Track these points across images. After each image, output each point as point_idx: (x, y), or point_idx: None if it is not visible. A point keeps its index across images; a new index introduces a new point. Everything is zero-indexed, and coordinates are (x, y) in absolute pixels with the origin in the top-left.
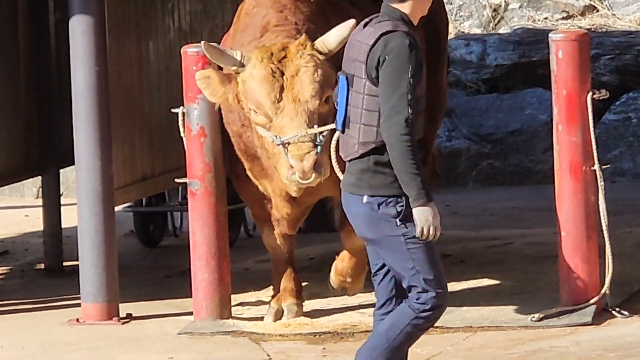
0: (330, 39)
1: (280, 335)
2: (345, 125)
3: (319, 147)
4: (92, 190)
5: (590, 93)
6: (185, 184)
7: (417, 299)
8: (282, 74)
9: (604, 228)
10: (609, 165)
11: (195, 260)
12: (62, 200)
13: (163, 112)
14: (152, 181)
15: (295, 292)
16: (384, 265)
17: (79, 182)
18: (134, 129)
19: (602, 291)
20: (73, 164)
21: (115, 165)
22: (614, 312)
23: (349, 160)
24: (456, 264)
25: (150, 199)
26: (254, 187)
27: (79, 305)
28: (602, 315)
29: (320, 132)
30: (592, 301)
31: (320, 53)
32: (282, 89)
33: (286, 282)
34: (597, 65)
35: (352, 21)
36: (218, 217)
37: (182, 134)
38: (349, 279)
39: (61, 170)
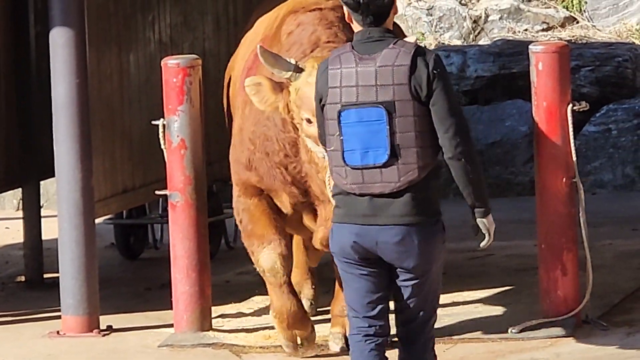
0: None
1: (260, 347)
2: (393, 154)
3: None
4: (73, 203)
5: (571, 105)
6: (165, 196)
7: (430, 326)
8: None
9: (585, 240)
10: (589, 178)
11: (176, 273)
12: (43, 212)
13: (143, 124)
14: (132, 193)
15: (305, 324)
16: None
17: (60, 194)
18: (114, 141)
19: (582, 303)
20: (53, 176)
21: (95, 177)
22: (594, 324)
23: (402, 189)
24: None
25: (131, 211)
26: (264, 204)
27: (59, 317)
28: (582, 327)
29: None
30: (572, 313)
31: None
32: None
33: (288, 304)
34: (577, 76)
35: (414, 37)
36: (199, 229)
37: (162, 146)
38: None
39: (42, 182)
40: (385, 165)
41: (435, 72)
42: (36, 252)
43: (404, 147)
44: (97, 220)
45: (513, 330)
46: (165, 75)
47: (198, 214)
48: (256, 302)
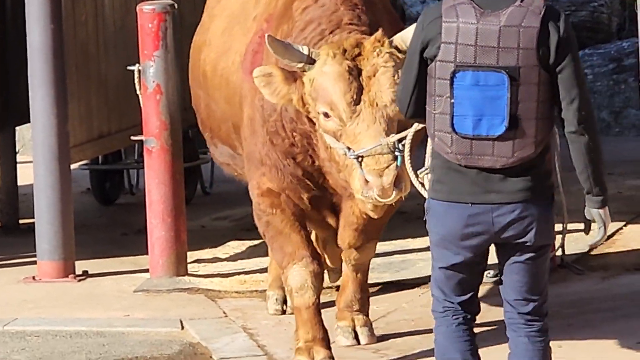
0: (409, 35)
1: (236, 292)
2: (511, 126)
3: (399, 159)
4: (48, 148)
5: None
6: (141, 141)
7: (545, 309)
8: (360, 72)
9: (560, 184)
10: None
11: (152, 218)
12: (19, 158)
13: (119, 69)
14: (108, 139)
15: (325, 342)
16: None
17: (35, 140)
18: (90, 87)
19: (557, 247)
20: (29, 121)
21: (71, 123)
22: (569, 268)
23: (516, 165)
24: (412, 221)
25: (107, 157)
26: (289, 214)
27: (35, 263)
28: (557, 271)
29: (400, 141)
30: None
31: (399, 51)
32: (360, 89)
33: (316, 330)
34: None
35: None
36: (174, 174)
37: (138, 92)
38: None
39: (17, 128)
40: (500, 137)
41: (566, 36)
42: (12, 197)
43: (524, 119)
44: (72, 166)
45: (489, 275)
46: (140, 20)
47: (174, 159)
48: (232, 247)
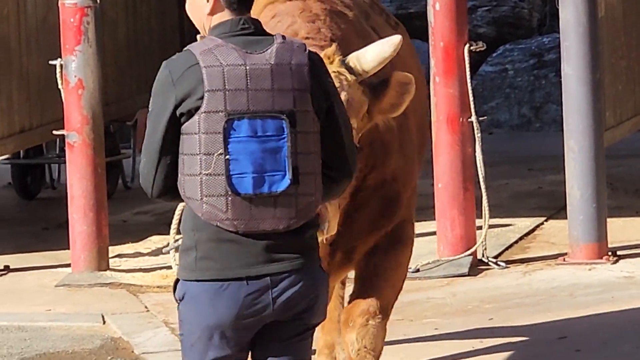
0: (367, 56)
1: (158, 287)
2: (295, 180)
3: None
4: None
5: (468, 45)
6: (63, 136)
7: None
8: None
9: (481, 179)
10: (485, 117)
11: (73, 213)
12: None
13: (42, 64)
14: (29, 133)
15: None
16: None
17: None
18: (11, 81)
19: (479, 242)
20: None
21: None
22: (490, 263)
23: (301, 226)
24: None
25: (28, 151)
26: None
27: None
28: (478, 266)
29: None
30: (468, 252)
31: (350, 72)
32: None
33: None
34: (474, 17)
35: (398, 37)
36: (96, 169)
37: (60, 86)
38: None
39: None
40: (283, 194)
41: (329, 79)
42: None
43: (304, 173)
44: None
45: (410, 269)
46: (62, 15)
47: (95, 154)
48: (153, 242)
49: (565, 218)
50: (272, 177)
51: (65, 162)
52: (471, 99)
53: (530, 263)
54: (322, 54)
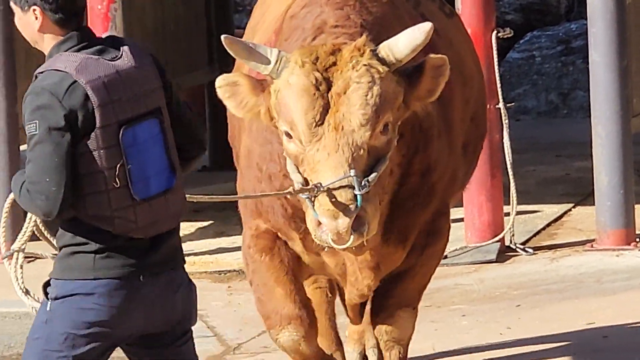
0: (399, 45)
1: None
2: (175, 175)
3: (359, 199)
4: None
5: (495, 31)
6: None
7: None
8: (329, 87)
9: (509, 166)
10: (513, 104)
11: None
12: None
13: None
14: None
15: None
16: None
17: None
18: None
19: (506, 229)
20: None
21: None
22: (518, 249)
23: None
24: None
25: None
26: (277, 263)
27: None
28: (506, 253)
29: (366, 174)
30: (496, 239)
31: (383, 63)
32: (325, 108)
33: None
34: (502, 3)
35: (428, 24)
36: None
37: None
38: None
39: None
40: (170, 190)
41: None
42: None
43: (177, 167)
44: None
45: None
46: (90, 1)
47: None
48: (181, 229)
49: (593, 204)
50: (161, 174)
51: None
52: (499, 85)
53: (558, 249)
54: (352, 45)
